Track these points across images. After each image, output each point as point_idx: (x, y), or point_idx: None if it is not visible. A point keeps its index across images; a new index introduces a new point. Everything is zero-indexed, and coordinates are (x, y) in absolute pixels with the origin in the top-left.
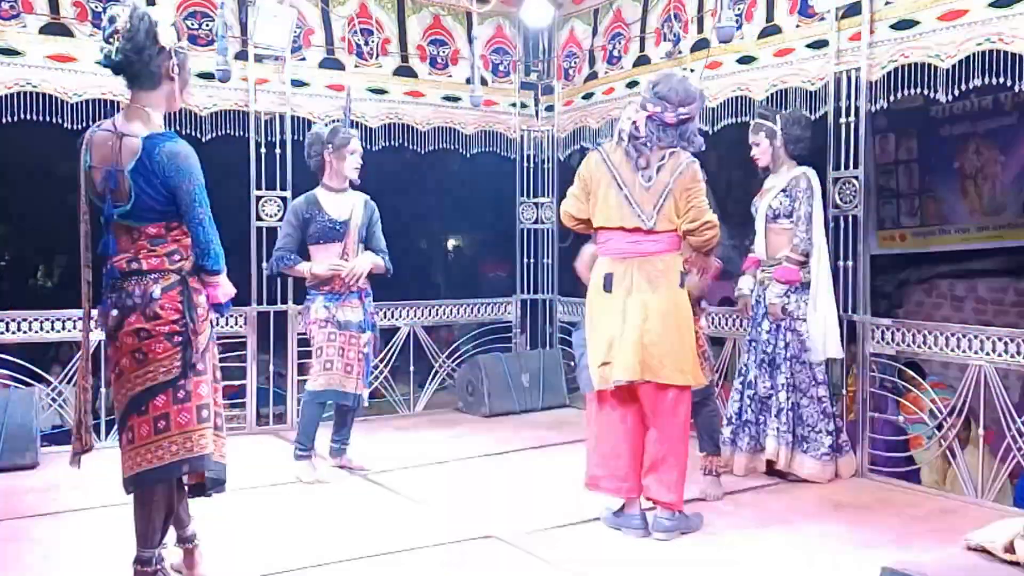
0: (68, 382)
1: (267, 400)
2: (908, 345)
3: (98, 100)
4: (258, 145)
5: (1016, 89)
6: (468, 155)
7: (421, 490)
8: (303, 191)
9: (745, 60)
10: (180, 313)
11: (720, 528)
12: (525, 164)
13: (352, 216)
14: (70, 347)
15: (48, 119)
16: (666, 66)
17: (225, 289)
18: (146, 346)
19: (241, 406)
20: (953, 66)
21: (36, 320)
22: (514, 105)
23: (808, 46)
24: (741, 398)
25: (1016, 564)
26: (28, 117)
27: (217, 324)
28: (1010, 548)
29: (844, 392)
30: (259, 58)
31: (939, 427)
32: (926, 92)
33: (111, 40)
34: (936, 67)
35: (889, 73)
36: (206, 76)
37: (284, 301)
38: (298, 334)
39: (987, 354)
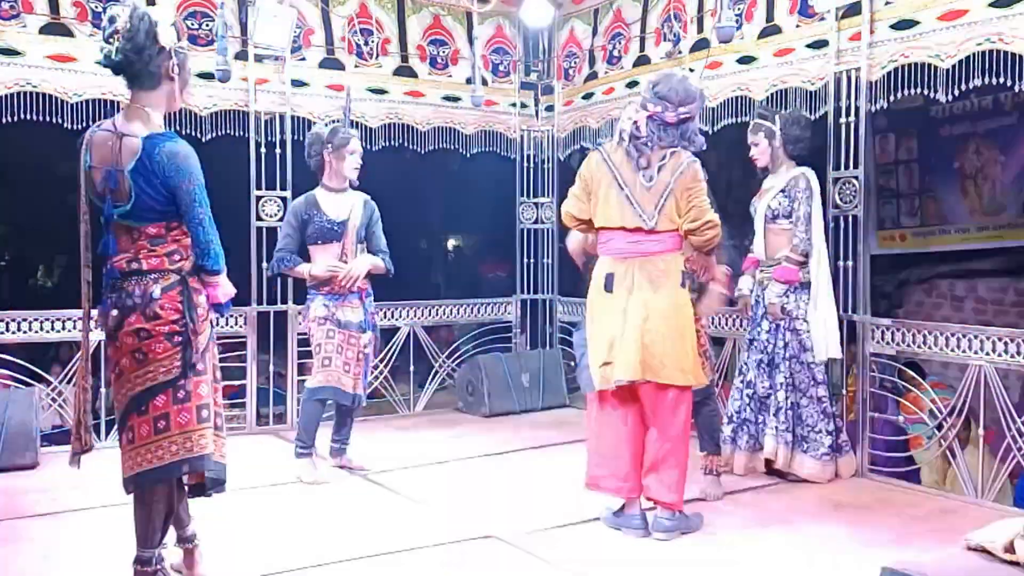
0: (68, 382)
1: (267, 400)
2: (908, 345)
3: (98, 100)
4: (258, 145)
5: (1016, 89)
6: (468, 155)
7: (421, 490)
8: (303, 191)
9: (745, 60)
10: (180, 313)
11: (720, 528)
12: (525, 164)
13: (351, 216)
14: (70, 347)
15: (48, 119)
16: (666, 66)
17: (225, 289)
18: (146, 346)
19: (241, 406)
20: (953, 66)
21: (36, 320)
22: (514, 105)
23: (808, 46)
24: (740, 397)
25: (1016, 564)
26: (28, 117)
27: (217, 324)
28: (1010, 548)
29: (844, 392)
30: (259, 58)
31: (939, 427)
32: (926, 92)
33: (111, 40)
34: (936, 67)
35: (889, 73)
36: (206, 76)
37: (284, 301)
38: (298, 334)
39: (987, 354)
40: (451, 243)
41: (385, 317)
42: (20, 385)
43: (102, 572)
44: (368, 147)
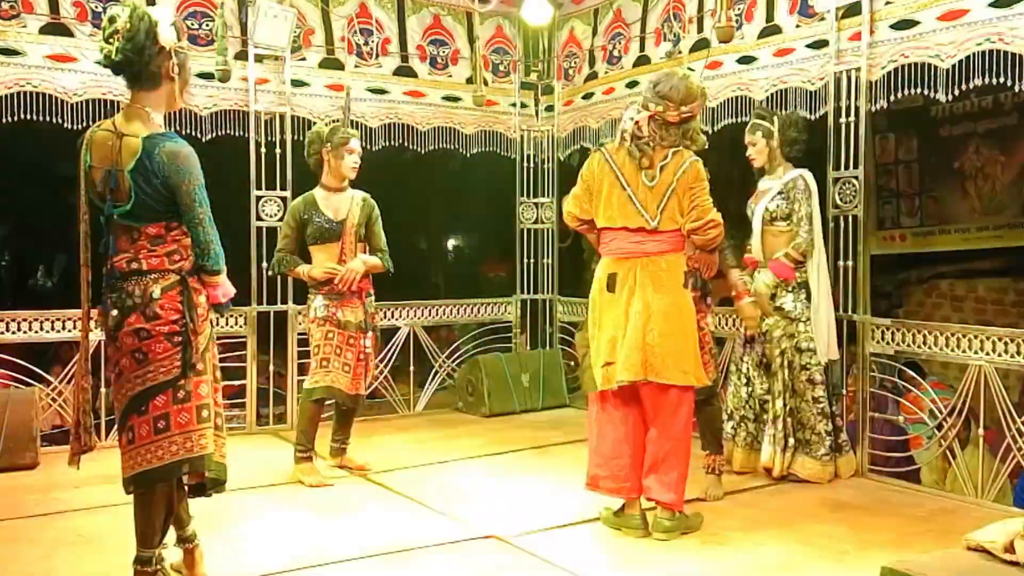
0: (68, 382)
1: (267, 400)
2: (908, 345)
3: (98, 100)
4: (258, 145)
5: (1016, 89)
6: (468, 155)
7: (421, 490)
8: (303, 191)
9: (745, 60)
10: (180, 313)
11: (720, 528)
12: (525, 164)
13: (349, 216)
14: (70, 347)
15: (48, 119)
16: (666, 66)
17: (225, 289)
18: (146, 346)
19: (241, 406)
20: (953, 66)
21: (36, 320)
22: (514, 105)
23: (808, 46)
24: (738, 394)
25: (1016, 564)
26: (28, 117)
27: (217, 324)
28: (1010, 548)
29: (844, 392)
30: (259, 58)
31: (939, 427)
32: (926, 92)
33: (111, 40)
34: (936, 67)
35: (889, 73)
36: (206, 76)
37: (284, 301)
38: (298, 334)
39: (987, 354)
40: (451, 243)
41: (385, 317)
42: (20, 385)
43: (102, 572)
44: (368, 147)
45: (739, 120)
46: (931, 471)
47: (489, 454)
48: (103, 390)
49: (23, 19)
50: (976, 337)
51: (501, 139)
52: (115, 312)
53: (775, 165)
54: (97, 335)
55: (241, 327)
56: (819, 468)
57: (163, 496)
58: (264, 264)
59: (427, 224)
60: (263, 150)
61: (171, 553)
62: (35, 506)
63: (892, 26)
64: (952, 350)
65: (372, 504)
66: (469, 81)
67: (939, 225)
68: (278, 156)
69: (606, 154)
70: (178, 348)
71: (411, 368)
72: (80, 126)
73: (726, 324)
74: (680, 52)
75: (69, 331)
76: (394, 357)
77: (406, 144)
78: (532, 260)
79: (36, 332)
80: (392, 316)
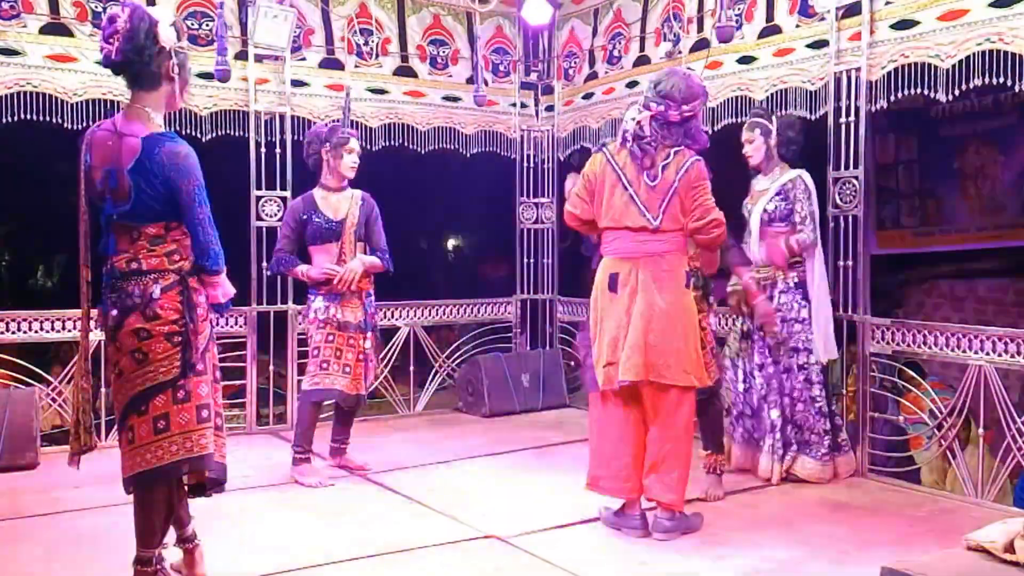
0: (68, 382)
1: (267, 400)
2: (908, 345)
3: (98, 100)
4: (258, 145)
5: (1016, 89)
6: (468, 155)
7: (421, 490)
8: (303, 191)
9: (745, 60)
10: (180, 313)
11: (720, 528)
12: (525, 164)
13: (348, 215)
14: (70, 347)
15: (48, 119)
16: (666, 66)
17: (225, 289)
18: (146, 346)
19: (241, 406)
20: (953, 66)
21: (36, 320)
22: (514, 105)
23: (808, 46)
24: (736, 392)
25: (1016, 564)
26: (28, 117)
27: (217, 324)
28: (1010, 548)
29: (844, 392)
30: (259, 58)
31: (939, 427)
32: (926, 92)
33: (111, 40)
34: (936, 67)
35: (889, 73)
36: (206, 76)
37: (284, 301)
38: (298, 334)
39: (987, 354)
40: (451, 243)
41: (385, 317)
42: (20, 385)
43: (102, 572)
44: (368, 147)
45: (739, 120)
46: (931, 471)
47: (489, 454)
48: (103, 390)
49: (23, 19)
50: (976, 337)
51: (501, 139)
52: (115, 312)
53: (771, 164)
54: (97, 335)
55: (241, 327)
56: (819, 468)
57: (163, 496)
58: (264, 264)
59: (427, 224)
60: (263, 150)
61: (171, 553)
62: (35, 506)
63: (892, 26)
64: (952, 350)
65: (372, 504)
66: (469, 81)
67: (939, 225)
68: (278, 156)
69: (608, 154)
70: (178, 348)
71: (411, 368)
72: (80, 126)
73: (725, 325)
74: (680, 52)
75: (69, 331)
76: (394, 357)
77: (406, 144)
78: (532, 260)
79: (36, 332)
80: (392, 316)
